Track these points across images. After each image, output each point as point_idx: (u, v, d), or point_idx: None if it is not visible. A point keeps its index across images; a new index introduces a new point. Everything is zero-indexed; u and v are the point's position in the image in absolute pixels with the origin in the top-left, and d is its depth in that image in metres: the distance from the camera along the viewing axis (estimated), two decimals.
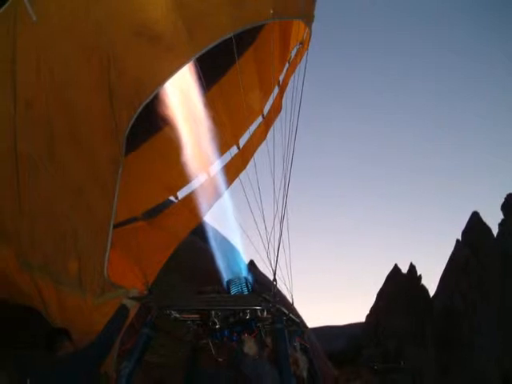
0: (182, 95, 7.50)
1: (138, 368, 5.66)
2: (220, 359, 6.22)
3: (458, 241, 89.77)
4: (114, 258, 6.21)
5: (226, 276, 6.42)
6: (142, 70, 6.43)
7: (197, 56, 6.40)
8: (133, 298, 5.84)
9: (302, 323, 7.43)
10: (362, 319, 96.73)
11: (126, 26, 6.26)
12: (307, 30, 8.75)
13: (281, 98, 10.02)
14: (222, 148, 9.36)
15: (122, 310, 5.73)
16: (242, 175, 9.03)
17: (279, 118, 9.18)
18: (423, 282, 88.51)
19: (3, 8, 5.81)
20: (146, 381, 8.24)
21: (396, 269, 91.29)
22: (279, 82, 10.14)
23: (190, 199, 9.65)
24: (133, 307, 5.83)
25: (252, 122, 10.10)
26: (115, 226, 6.43)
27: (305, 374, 6.42)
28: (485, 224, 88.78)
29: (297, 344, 6.61)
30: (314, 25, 8.69)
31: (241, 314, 5.87)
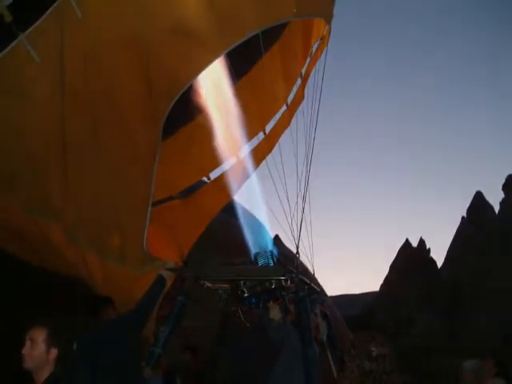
0: (214, 86, 7.50)
1: (174, 332, 5.69)
2: (248, 324, 6.23)
3: (463, 217, 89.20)
4: (152, 233, 6.25)
5: (253, 249, 6.42)
6: (178, 64, 6.42)
7: (227, 51, 6.44)
8: (169, 269, 5.85)
9: (322, 292, 7.41)
10: (376, 289, 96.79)
11: (162, 23, 6.25)
12: (327, 27, 8.68)
13: (303, 88, 9.95)
14: (250, 134, 9.32)
15: (160, 280, 5.73)
16: (268, 157, 9.05)
17: (301, 106, 9.14)
18: (432, 254, 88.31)
19: (52, 7, 5.78)
20: (181, 343, 8.28)
21: (407, 243, 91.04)
22: (301, 74, 10.11)
23: (221, 180, 9.63)
24: (169, 277, 5.84)
25: (277, 111, 10.12)
26: (153, 205, 6.47)
27: (325, 337, 6.41)
28: (487, 202, 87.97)
29: (317, 311, 6.59)
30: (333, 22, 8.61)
31: (267, 284, 5.87)
